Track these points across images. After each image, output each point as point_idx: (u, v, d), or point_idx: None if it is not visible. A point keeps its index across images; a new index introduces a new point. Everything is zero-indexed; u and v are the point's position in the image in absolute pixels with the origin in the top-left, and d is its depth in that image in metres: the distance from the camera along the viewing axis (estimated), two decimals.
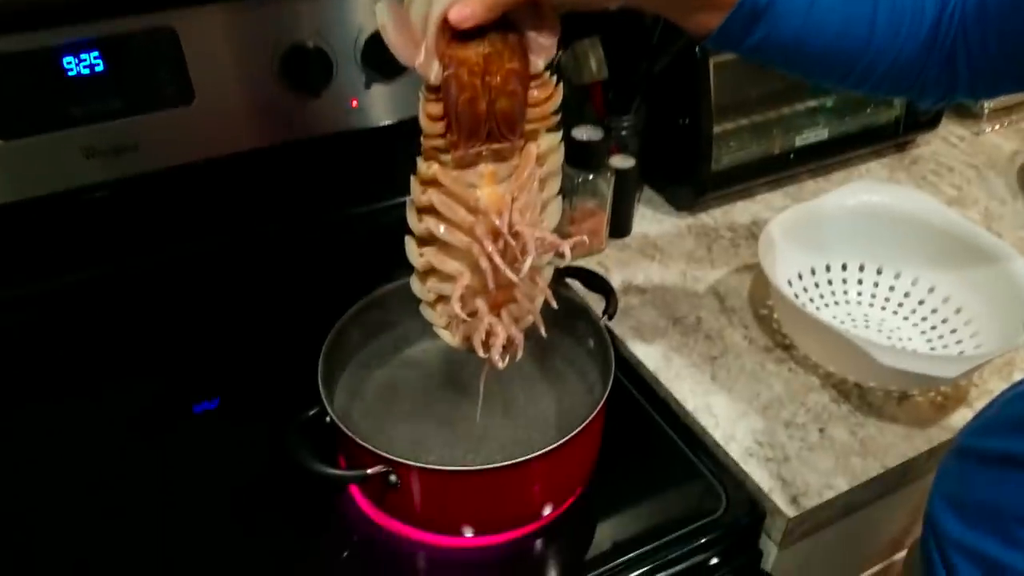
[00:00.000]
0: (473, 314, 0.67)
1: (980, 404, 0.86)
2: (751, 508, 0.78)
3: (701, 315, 0.96)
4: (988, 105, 1.28)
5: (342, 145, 0.99)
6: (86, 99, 0.85)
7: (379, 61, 0.95)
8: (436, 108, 0.61)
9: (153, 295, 0.99)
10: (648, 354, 0.91)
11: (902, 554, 1.04)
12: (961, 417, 0.85)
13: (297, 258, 1.03)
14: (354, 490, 0.78)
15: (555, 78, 0.64)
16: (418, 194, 0.64)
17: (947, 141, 1.28)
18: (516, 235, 0.62)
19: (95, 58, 0.84)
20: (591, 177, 0.98)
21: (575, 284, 0.88)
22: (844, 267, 0.98)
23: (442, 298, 0.67)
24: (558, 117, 0.64)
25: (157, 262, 0.98)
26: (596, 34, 1.01)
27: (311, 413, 0.74)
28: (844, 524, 0.84)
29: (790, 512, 0.76)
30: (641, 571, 0.73)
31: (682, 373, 0.89)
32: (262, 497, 0.79)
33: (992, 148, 1.27)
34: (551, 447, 0.68)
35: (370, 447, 0.69)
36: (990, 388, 0.88)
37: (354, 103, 0.97)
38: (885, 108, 1.17)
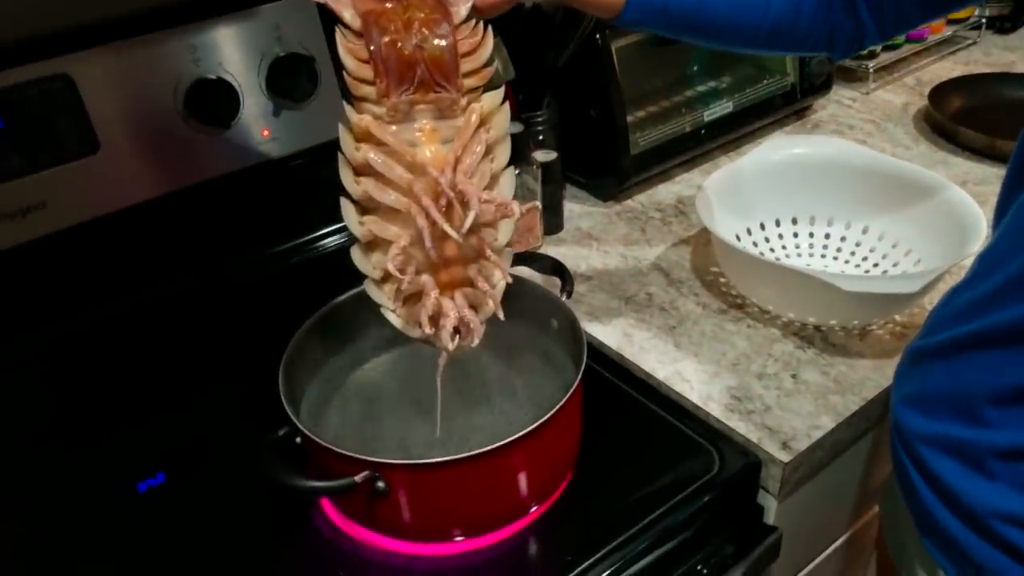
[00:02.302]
0: (421, 292, 0.63)
1: None
2: (745, 460, 0.76)
3: (651, 291, 0.95)
4: (871, 65, 1.34)
5: (258, 178, 0.96)
6: None
7: (286, 86, 0.92)
8: (360, 49, 0.59)
9: (74, 364, 0.91)
10: (608, 334, 0.89)
11: None
12: None
13: (227, 303, 0.97)
14: (331, 513, 0.74)
15: (481, 25, 0.62)
16: (351, 150, 0.61)
17: (840, 104, 1.33)
18: (460, 194, 0.59)
19: None
20: (517, 173, 0.97)
21: (525, 271, 0.86)
22: (778, 223, 0.99)
23: (390, 275, 0.61)
24: (492, 68, 0.63)
25: (75, 327, 0.91)
26: (498, 35, 1.01)
27: (280, 433, 0.70)
28: (834, 469, 0.84)
29: (784, 457, 0.75)
30: (646, 544, 0.70)
31: (645, 347, 0.88)
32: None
33: (884, 103, 1.32)
34: (539, 422, 0.65)
35: (354, 454, 0.65)
36: None
37: (265, 133, 0.94)
38: (780, 77, 1.21)
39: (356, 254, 0.64)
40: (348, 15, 0.60)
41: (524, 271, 0.85)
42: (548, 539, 0.72)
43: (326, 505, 0.74)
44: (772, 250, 0.99)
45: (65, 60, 0.82)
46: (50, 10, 0.81)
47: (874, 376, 0.83)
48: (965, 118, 1.21)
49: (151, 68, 0.86)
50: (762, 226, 0.99)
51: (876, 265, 0.95)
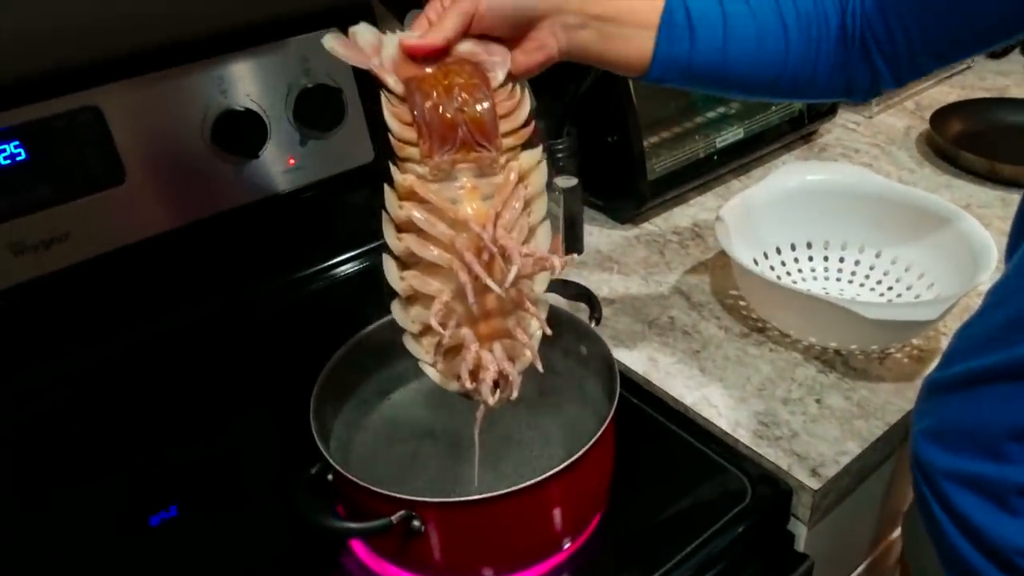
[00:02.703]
0: (460, 345, 0.64)
1: None
2: (777, 488, 0.77)
3: (673, 314, 0.97)
4: None
5: (283, 206, 0.96)
6: (9, 191, 0.80)
7: (313, 116, 0.93)
8: (404, 112, 0.61)
9: (93, 395, 0.90)
10: (634, 359, 0.90)
11: None
12: None
13: (249, 331, 0.98)
14: (358, 550, 0.73)
15: (519, 87, 0.65)
16: (395, 208, 0.62)
17: (845, 128, 1.35)
18: (501, 249, 0.61)
19: (15, 147, 0.80)
20: None
21: (551, 296, 0.86)
22: (793, 247, 1.01)
23: (429, 328, 0.62)
24: (531, 128, 0.64)
25: (95, 357, 0.91)
26: None
27: (313, 471, 0.69)
28: (858, 494, 0.85)
29: (814, 484, 0.76)
30: None
31: (671, 371, 0.89)
32: None
33: (887, 127, 1.35)
34: (576, 455, 0.65)
35: (389, 492, 0.64)
36: None
37: (291, 162, 0.95)
38: (788, 103, 1.23)
39: (396, 309, 0.65)
40: (392, 81, 0.62)
41: (550, 297, 0.86)
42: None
43: (353, 541, 0.74)
44: (789, 274, 1.00)
45: (94, 92, 0.82)
46: (80, 42, 0.81)
47: (896, 400, 0.84)
48: (966, 142, 1.24)
49: (179, 99, 0.86)
50: (778, 250, 1.01)
51: (890, 288, 0.97)
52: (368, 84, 0.96)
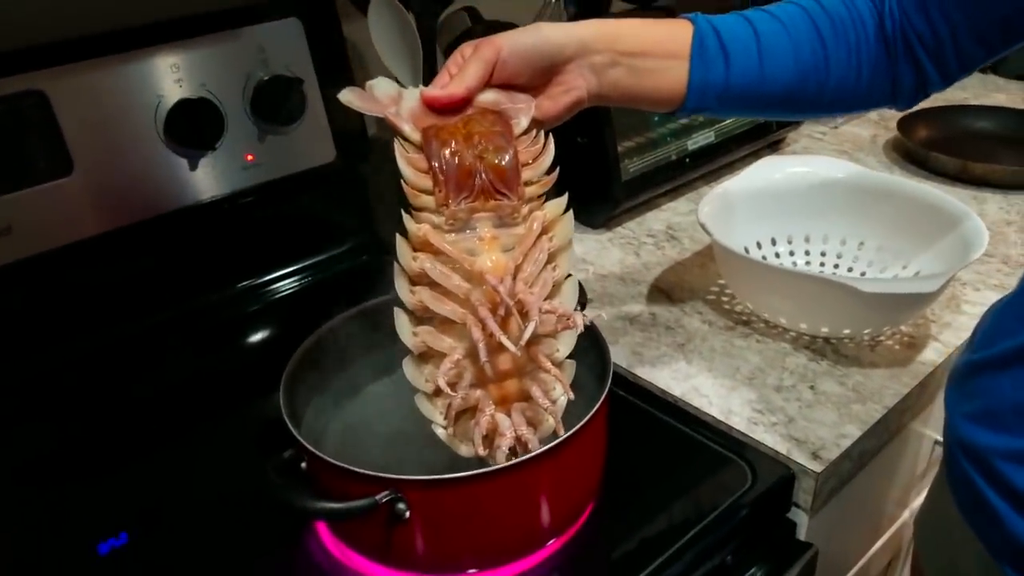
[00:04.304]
0: (475, 407, 0.59)
1: (945, 336, 0.87)
2: (779, 472, 0.73)
3: (654, 311, 0.93)
4: None
5: (241, 205, 0.91)
6: None
7: (271, 109, 0.89)
8: (419, 159, 0.58)
9: (31, 409, 0.83)
10: (616, 353, 0.85)
11: (905, 515, 1.02)
12: (933, 350, 0.85)
13: (205, 339, 0.91)
14: (328, 543, 0.68)
15: (543, 134, 0.62)
16: (408, 260, 0.58)
17: (812, 137, 1.34)
18: (519, 304, 0.57)
19: None
20: None
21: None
22: (773, 242, 0.98)
23: (449, 386, 0.58)
24: (555, 176, 0.62)
25: (38, 365, 0.84)
26: None
27: (285, 455, 0.63)
28: (859, 481, 0.81)
29: (816, 467, 0.72)
30: (681, 569, 0.65)
31: (657, 364, 0.84)
32: None
33: (853, 136, 1.34)
34: (568, 432, 0.60)
35: (374, 472, 0.59)
36: (946, 321, 0.89)
37: (249, 158, 0.90)
38: None
39: (408, 366, 0.60)
40: (408, 128, 0.59)
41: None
42: (571, 570, 0.66)
43: (325, 538, 0.68)
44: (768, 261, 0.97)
45: (39, 75, 0.77)
46: (25, 22, 0.76)
47: (892, 384, 0.81)
48: (933, 146, 1.23)
49: (131, 87, 0.81)
50: (759, 245, 0.98)
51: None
52: (331, 77, 0.93)
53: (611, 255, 1.04)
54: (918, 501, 1.04)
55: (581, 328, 0.59)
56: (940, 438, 0.98)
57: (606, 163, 1.04)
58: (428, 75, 0.99)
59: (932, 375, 0.83)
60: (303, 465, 0.63)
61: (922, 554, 0.84)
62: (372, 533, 0.62)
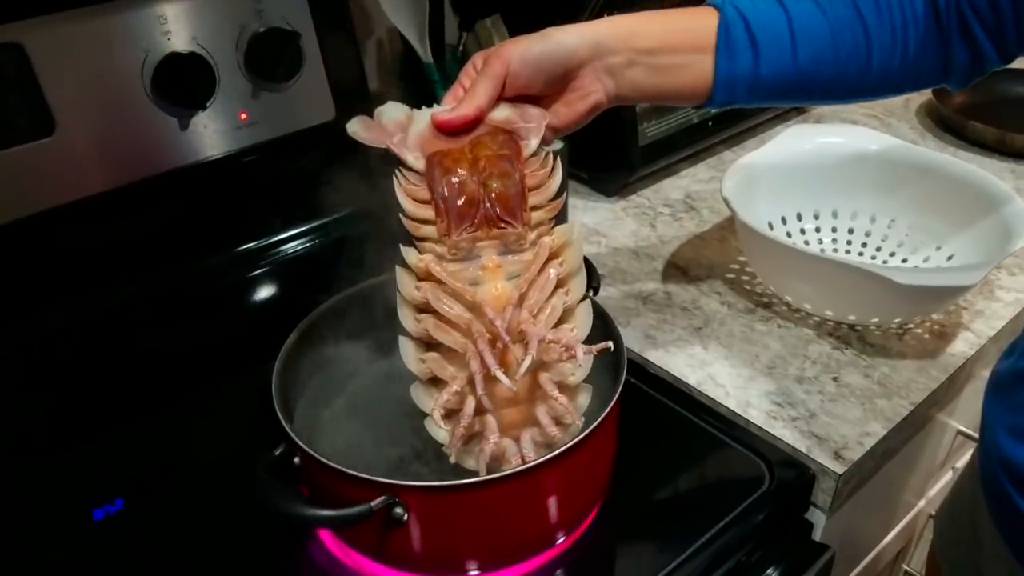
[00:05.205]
0: (480, 432, 0.58)
1: (977, 325, 0.82)
2: (798, 473, 0.69)
3: (669, 289, 0.88)
4: None
5: (234, 167, 0.86)
6: None
7: (266, 64, 0.83)
8: (419, 190, 0.58)
9: (20, 375, 0.79)
10: (628, 336, 0.81)
11: (921, 504, 0.98)
12: (964, 341, 0.80)
13: (198, 306, 0.87)
14: (329, 543, 0.64)
15: (551, 156, 0.61)
16: (410, 289, 0.58)
17: None
18: (520, 335, 0.56)
19: None
20: None
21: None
22: (799, 217, 0.93)
23: (452, 413, 0.57)
24: (563, 199, 0.60)
25: (23, 332, 0.79)
26: (497, 12, 0.94)
27: (277, 452, 0.60)
28: (877, 479, 0.77)
29: (837, 468, 0.68)
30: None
31: (671, 349, 0.80)
32: None
33: (884, 100, 1.27)
34: (578, 437, 0.56)
35: (368, 476, 0.55)
36: (979, 309, 0.84)
37: (243, 116, 0.84)
38: None
39: (417, 392, 0.60)
40: (411, 158, 0.59)
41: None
42: (577, 573, 0.63)
43: (323, 533, 0.65)
44: (795, 246, 0.92)
45: (17, 27, 0.71)
46: None
47: (919, 378, 0.76)
48: (970, 113, 1.17)
49: (115, 39, 0.75)
50: (783, 220, 0.92)
51: (905, 261, 0.89)
52: (330, 30, 0.87)
53: (625, 226, 0.99)
54: (935, 489, 1.01)
55: (580, 362, 0.57)
56: (964, 429, 0.94)
57: (622, 127, 0.98)
58: (433, 34, 0.94)
59: (962, 368, 0.78)
60: (296, 460, 0.60)
61: (941, 552, 0.80)
62: (370, 535, 0.59)
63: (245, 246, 0.92)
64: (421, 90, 0.99)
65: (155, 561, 0.65)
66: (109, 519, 0.68)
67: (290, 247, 0.94)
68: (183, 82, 0.78)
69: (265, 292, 0.91)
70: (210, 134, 0.83)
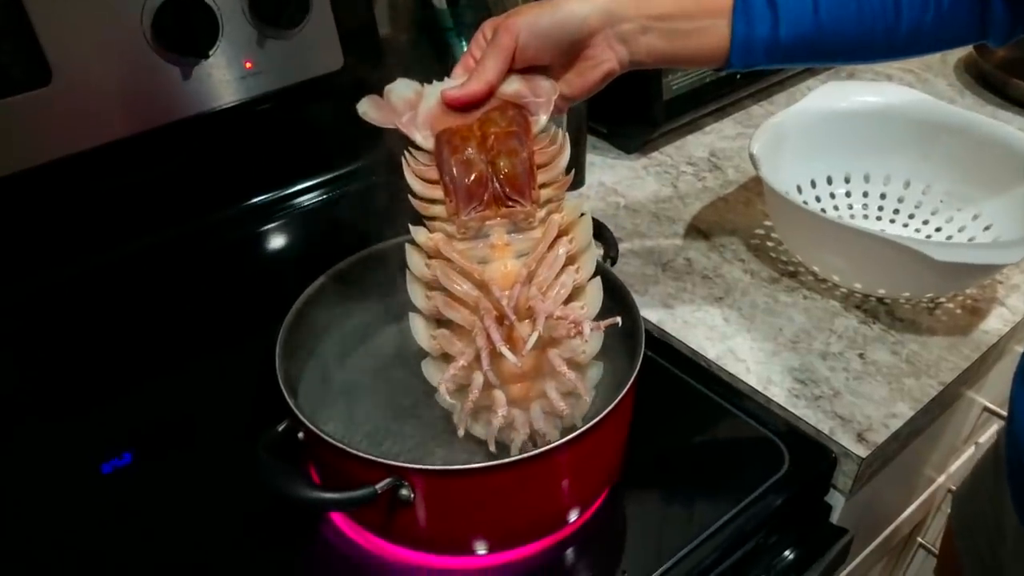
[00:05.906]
0: (489, 405, 0.58)
1: (1012, 300, 0.79)
2: (820, 456, 0.66)
3: (690, 256, 0.84)
4: None
5: (239, 118, 0.82)
6: None
7: (272, 9, 0.79)
8: (427, 170, 0.57)
9: (27, 332, 0.78)
10: (646, 306, 0.78)
11: (941, 479, 0.96)
12: (998, 317, 0.77)
13: (202, 262, 0.85)
14: (337, 517, 0.63)
15: (560, 132, 0.60)
16: (420, 267, 0.58)
17: None
18: (528, 312, 0.56)
19: None
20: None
21: None
22: (829, 181, 0.89)
23: (463, 387, 0.58)
24: (570, 178, 0.59)
25: (26, 289, 0.78)
26: None
27: (280, 428, 0.58)
28: (899, 459, 0.74)
29: (861, 451, 0.65)
30: (707, 559, 0.60)
31: (690, 320, 0.77)
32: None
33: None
34: (590, 423, 0.54)
35: (374, 456, 0.53)
36: (1015, 283, 0.81)
37: (248, 65, 0.81)
38: None
39: (428, 367, 0.60)
40: (420, 137, 0.58)
41: None
42: (586, 555, 0.61)
43: None
44: (824, 211, 0.88)
45: None
46: None
47: (950, 356, 0.73)
48: (1013, 69, 1.11)
49: None
50: (812, 183, 0.88)
51: (939, 230, 0.85)
52: None
53: (645, 186, 0.95)
54: (956, 464, 0.98)
55: (587, 338, 0.55)
56: (991, 405, 0.91)
57: (646, 80, 0.94)
58: None
59: (995, 346, 0.75)
60: (300, 436, 0.58)
61: (958, 533, 0.78)
62: (376, 514, 0.58)
63: (254, 200, 0.89)
64: (434, 38, 0.95)
65: (161, 515, 0.64)
66: (117, 472, 0.68)
67: (299, 201, 0.91)
68: (184, 28, 0.75)
69: (277, 245, 0.89)
70: (214, 83, 0.79)
